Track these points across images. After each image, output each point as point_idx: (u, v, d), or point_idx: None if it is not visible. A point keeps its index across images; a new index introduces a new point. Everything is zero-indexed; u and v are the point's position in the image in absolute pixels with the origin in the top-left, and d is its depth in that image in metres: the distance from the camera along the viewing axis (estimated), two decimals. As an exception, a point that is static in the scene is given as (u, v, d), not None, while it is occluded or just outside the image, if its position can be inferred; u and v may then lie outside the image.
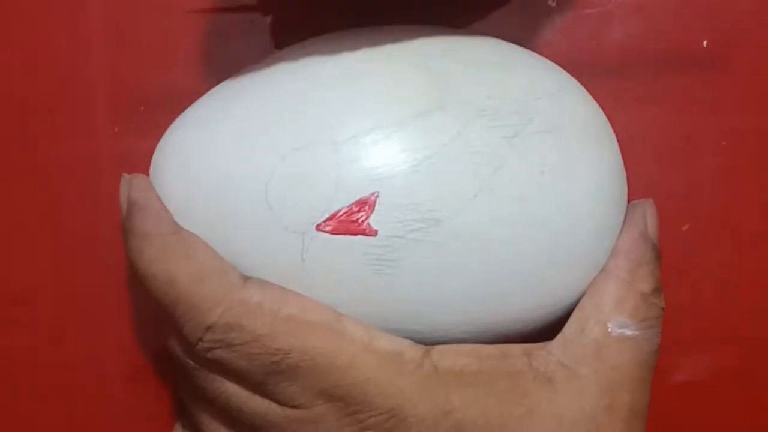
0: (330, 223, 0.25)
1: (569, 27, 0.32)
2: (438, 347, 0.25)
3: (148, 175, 0.27)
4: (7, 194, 0.32)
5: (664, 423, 0.32)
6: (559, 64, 0.29)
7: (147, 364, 0.33)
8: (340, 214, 0.24)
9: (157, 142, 0.28)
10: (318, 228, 0.25)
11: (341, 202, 0.24)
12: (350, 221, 0.24)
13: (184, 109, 0.28)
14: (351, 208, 0.24)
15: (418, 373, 0.25)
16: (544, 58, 0.28)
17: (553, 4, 0.32)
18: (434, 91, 0.25)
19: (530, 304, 0.26)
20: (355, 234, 0.24)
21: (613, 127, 0.28)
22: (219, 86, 0.28)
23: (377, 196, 0.24)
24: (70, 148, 0.32)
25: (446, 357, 0.25)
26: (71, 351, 0.32)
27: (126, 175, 0.27)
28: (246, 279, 0.25)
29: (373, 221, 0.24)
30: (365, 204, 0.24)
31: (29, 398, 0.33)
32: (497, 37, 0.29)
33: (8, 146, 0.32)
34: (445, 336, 0.26)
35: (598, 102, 0.28)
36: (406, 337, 0.26)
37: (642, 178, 0.32)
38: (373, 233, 0.24)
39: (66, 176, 0.32)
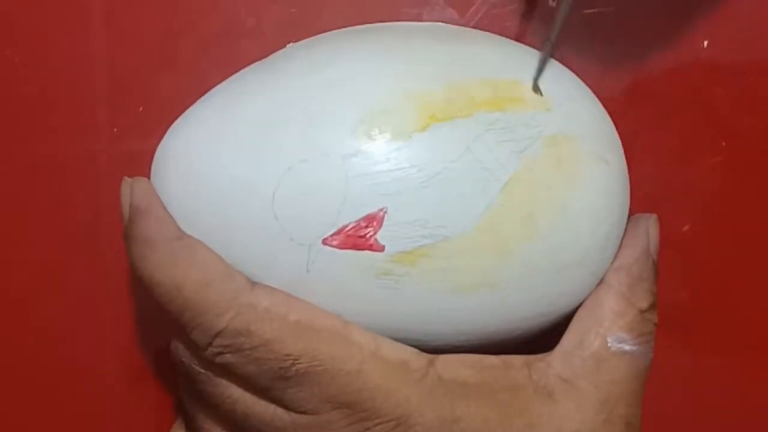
0: (337, 237, 0.24)
1: (569, 27, 0.32)
2: (442, 357, 0.25)
3: (148, 176, 0.27)
4: (7, 194, 0.32)
5: (664, 422, 0.32)
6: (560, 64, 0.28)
7: (147, 364, 0.33)
8: (347, 228, 0.24)
9: (157, 143, 0.27)
10: (325, 242, 0.25)
11: (349, 216, 0.24)
12: (357, 236, 0.24)
13: (184, 109, 0.28)
14: (359, 224, 0.24)
15: (423, 383, 0.25)
16: (554, 62, 0.28)
17: (553, 4, 0.32)
18: (445, 105, 0.25)
19: (530, 313, 0.26)
20: (362, 249, 0.24)
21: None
22: (221, 86, 0.27)
23: (385, 212, 0.24)
24: (70, 148, 0.32)
25: (450, 367, 0.25)
26: (71, 351, 0.32)
27: (127, 179, 0.26)
28: (253, 284, 0.25)
29: (380, 237, 0.24)
30: (373, 219, 0.24)
31: (30, 398, 0.33)
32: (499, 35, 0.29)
33: (8, 146, 0.32)
34: (447, 344, 0.26)
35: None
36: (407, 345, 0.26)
37: (642, 178, 0.32)
38: (380, 249, 0.24)
39: (66, 176, 0.32)
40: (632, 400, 0.26)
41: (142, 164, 0.27)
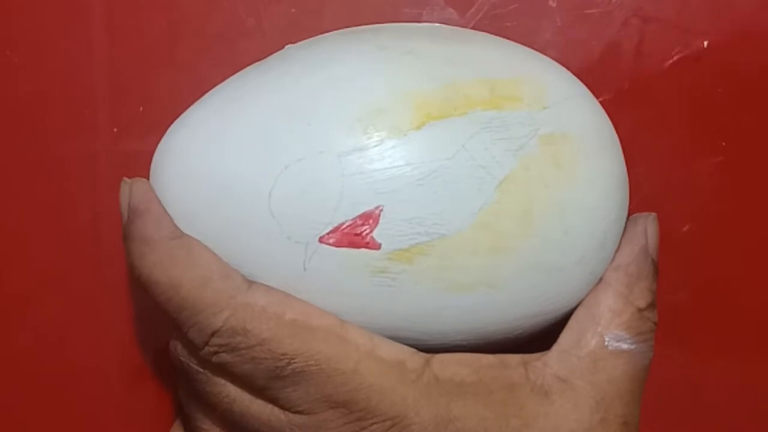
0: (333, 235, 0.24)
1: (569, 27, 0.32)
2: (438, 356, 0.25)
3: (148, 176, 0.27)
4: (7, 194, 0.32)
5: (664, 422, 0.32)
6: (559, 64, 0.28)
7: (147, 364, 0.33)
8: (344, 226, 0.24)
9: (157, 143, 0.27)
10: (321, 240, 0.25)
11: (345, 214, 0.24)
12: (354, 234, 0.24)
13: (184, 109, 0.28)
14: (355, 221, 0.24)
15: (419, 382, 0.25)
16: (551, 61, 0.28)
17: (553, 4, 0.32)
18: (441, 103, 0.25)
19: (528, 312, 0.26)
20: (359, 247, 0.24)
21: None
22: (219, 87, 0.28)
23: (381, 210, 0.24)
24: (70, 148, 0.32)
25: (446, 367, 0.25)
26: (71, 351, 0.32)
27: (126, 180, 0.27)
28: (250, 283, 0.25)
29: (377, 234, 0.24)
30: (369, 217, 0.24)
31: (30, 398, 0.33)
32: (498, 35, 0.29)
33: (8, 146, 0.32)
34: (444, 343, 0.26)
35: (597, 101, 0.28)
36: (405, 345, 0.26)
37: (642, 178, 0.32)
38: (376, 246, 0.24)
39: (66, 176, 0.32)
40: (629, 399, 0.26)
41: (142, 164, 0.27)
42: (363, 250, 0.24)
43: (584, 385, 0.25)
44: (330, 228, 0.24)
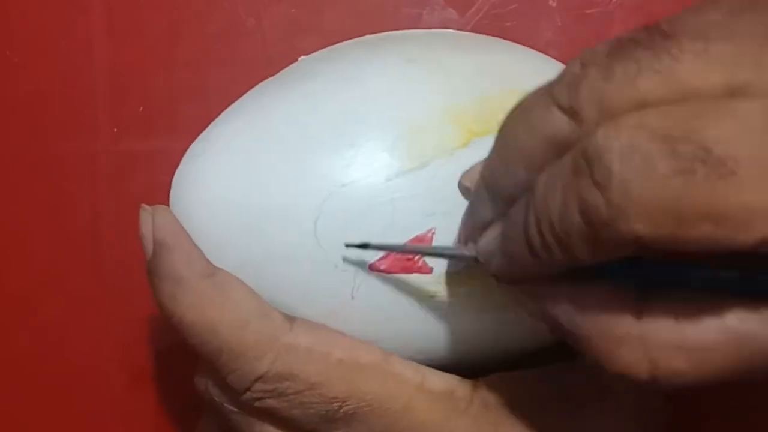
0: (384, 261, 0.24)
1: (569, 27, 0.32)
2: (484, 380, 0.25)
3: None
4: (7, 194, 0.32)
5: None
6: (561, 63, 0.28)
7: (147, 364, 0.33)
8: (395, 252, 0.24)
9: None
10: (371, 267, 0.24)
11: (396, 239, 0.24)
12: (405, 259, 0.24)
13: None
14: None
15: (469, 412, 0.24)
16: (560, 65, 0.28)
17: (554, 4, 0.32)
18: (479, 118, 0.24)
19: None
20: (410, 272, 0.24)
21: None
22: (238, 106, 0.26)
23: (434, 233, 0.24)
24: (70, 148, 0.32)
25: (493, 389, 0.25)
26: (71, 351, 0.32)
27: (146, 207, 0.25)
28: (290, 321, 0.24)
29: (428, 258, 0.24)
30: (422, 241, 0.24)
31: (30, 398, 0.33)
32: (497, 36, 0.29)
33: (8, 146, 0.32)
34: (493, 361, 0.25)
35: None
36: (447, 366, 0.25)
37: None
38: (428, 271, 0.24)
39: (66, 176, 0.32)
40: (666, 405, 0.26)
41: (142, 164, 0.27)
42: (414, 275, 0.24)
43: (622, 392, 0.25)
44: (381, 254, 0.24)
